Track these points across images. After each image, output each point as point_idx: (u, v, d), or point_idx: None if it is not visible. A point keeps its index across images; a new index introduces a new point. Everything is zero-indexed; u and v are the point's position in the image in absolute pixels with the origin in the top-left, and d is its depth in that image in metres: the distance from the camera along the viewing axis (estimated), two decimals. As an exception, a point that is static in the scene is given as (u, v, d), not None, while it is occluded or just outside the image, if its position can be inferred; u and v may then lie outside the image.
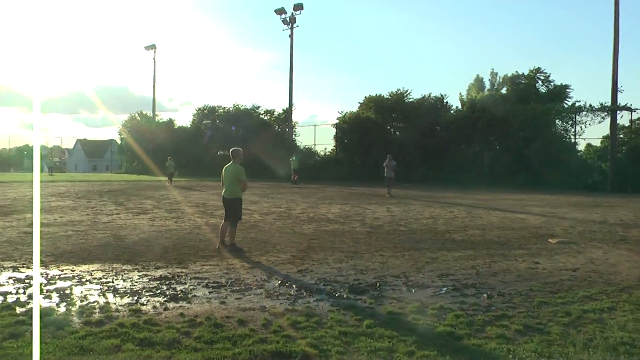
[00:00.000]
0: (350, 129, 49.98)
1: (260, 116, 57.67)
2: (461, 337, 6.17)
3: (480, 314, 7.10)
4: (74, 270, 9.36)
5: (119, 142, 75.93)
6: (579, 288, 8.59)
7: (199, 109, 61.46)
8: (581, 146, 43.79)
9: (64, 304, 7.21)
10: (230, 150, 12.46)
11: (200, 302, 7.47)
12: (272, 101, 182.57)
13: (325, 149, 55.15)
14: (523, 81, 44.85)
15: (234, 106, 58.78)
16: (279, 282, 8.74)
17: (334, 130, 52.62)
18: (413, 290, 8.36)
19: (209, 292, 8.02)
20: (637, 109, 39.07)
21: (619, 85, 37.69)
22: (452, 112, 48.45)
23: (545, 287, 8.66)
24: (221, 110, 59.81)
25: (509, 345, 5.85)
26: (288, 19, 54.05)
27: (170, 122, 65.91)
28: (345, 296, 7.92)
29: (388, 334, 6.19)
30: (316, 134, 55.16)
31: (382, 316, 6.95)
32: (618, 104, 37.91)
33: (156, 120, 67.21)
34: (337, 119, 52.07)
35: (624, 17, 43.60)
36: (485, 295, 8.09)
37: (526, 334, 6.30)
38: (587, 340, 6.03)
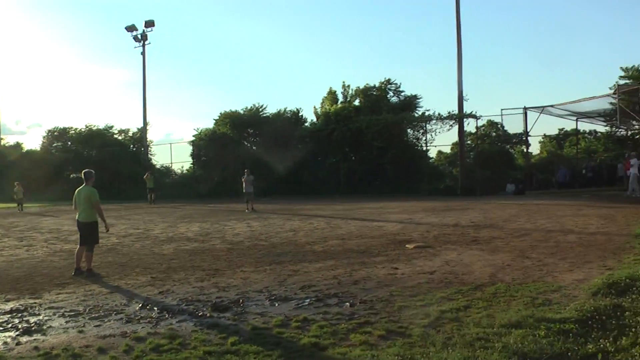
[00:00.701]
0: (206, 145, 49.70)
1: (114, 136, 56.18)
2: (326, 347, 6.23)
3: (344, 322, 7.20)
4: None
5: (-41, 168, 71.55)
6: (437, 290, 8.90)
7: (49, 130, 58.99)
8: (433, 153, 45.88)
9: None
10: (83, 172, 12.14)
11: (57, 333, 7.14)
12: (128, 120, 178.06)
13: (182, 167, 54.58)
14: (375, 92, 46.10)
15: (87, 127, 56.84)
16: (140, 305, 8.52)
17: (190, 148, 52.10)
18: (276, 304, 8.38)
19: (66, 322, 7.68)
20: (481, 116, 41.31)
21: (464, 95, 39.60)
22: (307, 125, 49.12)
23: (405, 291, 8.91)
24: (73, 132, 57.65)
25: (372, 351, 5.96)
26: (140, 36, 53.11)
27: (18, 145, 62.90)
28: (208, 315, 7.83)
29: (253, 349, 6.16)
30: (172, 152, 54.52)
31: (246, 332, 6.91)
32: (464, 112, 39.77)
33: (2, 144, 63.84)
34: (193, 136, 51.73)
35: (465, 32, 46.07)
36: (347, 303, 8.22)
37: (389, 338, 6.45)
38: (446, 339, 6.24)
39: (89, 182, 11.89)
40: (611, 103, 31.41)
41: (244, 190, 29.56)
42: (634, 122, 33.77)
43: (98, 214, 11.82)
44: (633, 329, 6.37)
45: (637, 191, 27.94)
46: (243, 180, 29.65)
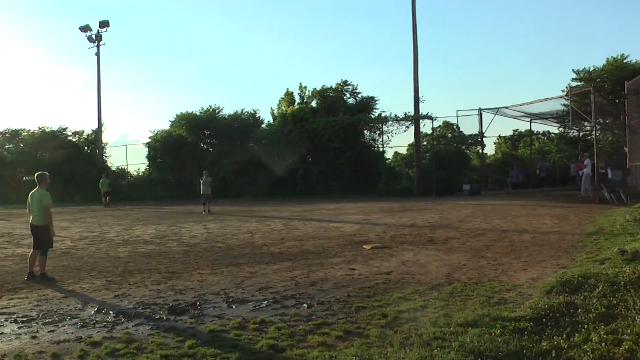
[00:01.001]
0: (162, 147, 49.26)
1: (68, 138, 55.18)
2: (284, 349, 6.23)
3: (302, 324, 7.21)
4: None
5: None
6: (394, 290, 8.96)
7: (0, 132, 57.67)
8: (389, 154, 46.11)
9: None
10: (35, 174, 11.94)
11: (9, 340, 6.99)
12: (82, 121, 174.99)
13: (138, 169, 53.89)
14: (331, 94, 46.08)
15: (40, 128, 55.71)
16: (95, 309, 8.40)
17: (146, 150, 51.55)
18: (234, 306, 8.35)
19: (18, 328, 7.52)
20: (437, 117, 41.73)
21: (420, 96, 39.88)
22: (264, 126, 48.97)
23: (362, 292, 8.96)
24: (25, 133, 56.48)
25: (330, 352, 5.99)
26: (94, 36, 52.27)
27: (-33, 147, 61.44)
28: (165, 318, 7.76)
29: (211, 352, 6.14)
30: (128, 153, 53.71)
31: (204, 335, 6.88)
32: (420, 113, 40.03)
33: (-50, 146, 62.20)
34: (149, 137, 51.17)
35: (421, 33, 46.27)
36: (305, 305, 8.23)
37: (346, 339, 6.48)
38: (403, 339, 6.29)
39: (42, 184, 11.70)
40: (563, 105, 31.83)
41: (201, 192, 29.37)
42: (585, 123, 34.38)
43: (46, 217, 11.60)
44: (585, 326, 6.50)
45: (589, 191, 28.51)
46: (201, 181, 29.45)
